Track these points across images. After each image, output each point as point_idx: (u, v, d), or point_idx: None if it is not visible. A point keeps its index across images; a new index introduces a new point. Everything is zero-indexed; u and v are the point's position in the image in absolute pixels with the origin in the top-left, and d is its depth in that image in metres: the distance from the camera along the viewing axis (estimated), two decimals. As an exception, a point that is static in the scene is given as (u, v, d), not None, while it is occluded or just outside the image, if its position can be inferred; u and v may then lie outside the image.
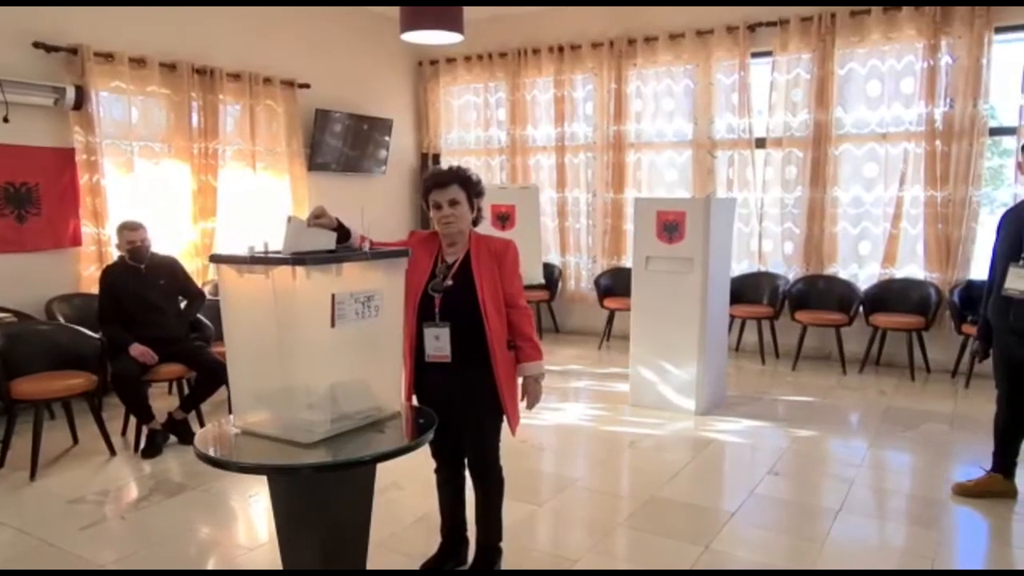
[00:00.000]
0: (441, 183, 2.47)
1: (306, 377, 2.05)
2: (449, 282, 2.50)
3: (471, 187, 2.51)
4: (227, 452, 2.05)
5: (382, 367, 2.29)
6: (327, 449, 2.00)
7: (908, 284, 5.94)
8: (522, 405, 2.65)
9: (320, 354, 2.06)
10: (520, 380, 2.63)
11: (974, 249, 5.78)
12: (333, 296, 2.05)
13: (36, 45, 4.95)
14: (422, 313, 2.51)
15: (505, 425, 2.64)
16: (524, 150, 7.61)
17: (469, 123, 8.03)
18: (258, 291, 2.05)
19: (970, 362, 5.51)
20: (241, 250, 2.13)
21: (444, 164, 8.00)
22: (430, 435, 2.17)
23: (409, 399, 2.58)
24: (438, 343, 2.48)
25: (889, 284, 6.01)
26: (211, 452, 1.98)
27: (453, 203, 2.46)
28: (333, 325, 2.05)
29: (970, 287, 5.59)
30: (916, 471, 4.01)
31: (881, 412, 4.91)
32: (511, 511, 3.09)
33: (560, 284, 7.50)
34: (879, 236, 6.14)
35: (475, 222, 2.58)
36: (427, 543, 2.91)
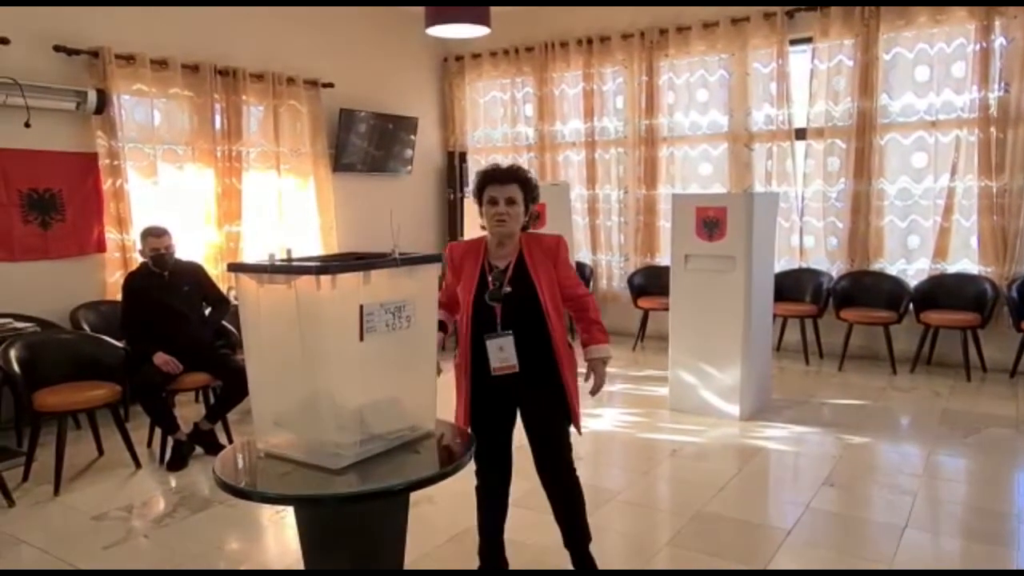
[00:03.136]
0: (501, 179, 2.35)
1: (333, 395, 1.88)
2: (507, 288, 2.35)
3: (529, 190, 2.40)
4: (249, 479, 1.89)
5: (416, 382, 2.11)
6: (357, 475, 1.83)
7: (961, 279, 5.63)
8: (585, 386, 2.51)
9: (348, 370, 1.89)
10: (586, 364, 2.52)
11: (1032, 242, 5.47)
12: (361, 307, 1.88)
13: (57, 48, 4.86)
14: (478, 324, 2.36)
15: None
16: (553, 146, 7.41)
17: (496, 120, 7.85)
18: (280, 302, 1.89)
19: (1031, 361, 5.22)
20: (267, 254, 1.97)
21: (471, 162, 7.91)
22: (469, 458, 1.99)
23: (465, 422, 2.43)
24: (503, 353, 2.33)
25: (941, 279, 5.71)
26: (232, 480, 1.82)
27: (510, 202, 2.34)
28: (362, 338, 1.88)
29: (1029, 282, 5.29)
30: (983, 481, 3.74)
31: (938, 415, 4.63)
32: (547, 529, 2.91)
33: (592, 283, 7.29)
34: (929, 229, 5.83)
35: (525, 227, 2.45)
36: (464, 564, 2.74)
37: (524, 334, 2.35)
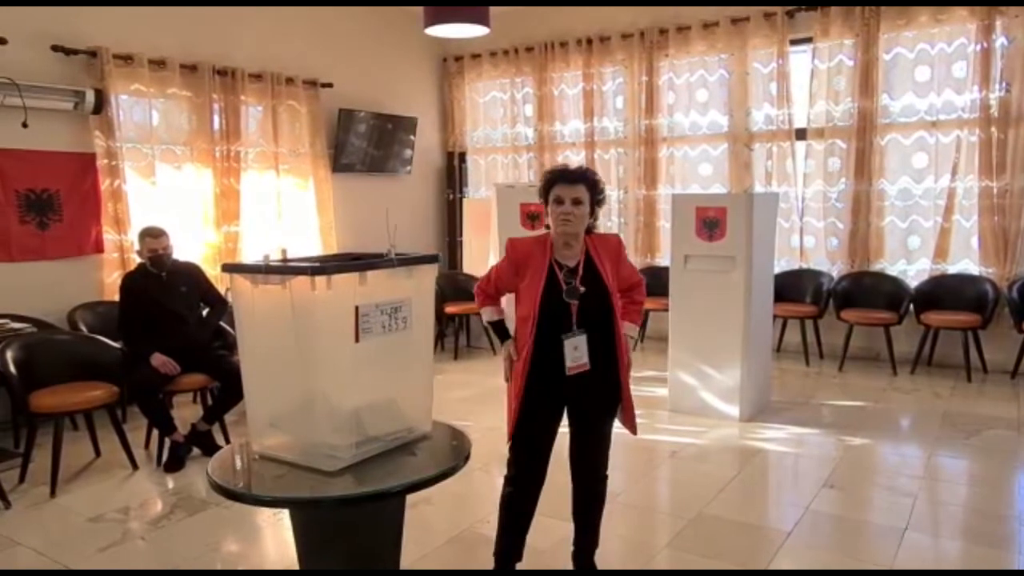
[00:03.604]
0: (570, 179, 2.36)
1: (329, 397, 1.87)
2: (582, 288, 2.35)
3: (596, 192, 2.41)
4: (243, 481, 1.87)
5: (412, 384, 2.10)
6: (353, 477, 1.81)
7: (962, 280, 5.62)
8: None
9: (344, 372, 1.88)
10: None
11: (1033, 243, 5.45)
12: (357, 308, 1.86)
13: (55, 48, 4.85)
14: (549, 324, 2.33)
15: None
16: (552, 147, 7.38)
17: (495, 120, 7.83)
18: (275, 303, 1.87)
19: (1032, 362, 5.19)
20: (262, 255, 1.95)
21: (471, 163, 7.90)
22: (466, 460, 1.98)
23: (514, 429, 2.39)
24: (577, 353, 2.33)
25: (941, 280, 5.69)
26: (226, 482, 1.80)
27: (576, 202, 2.34)
28: (357, 340, 1.87)
29: (1030, 283, 5.27)
30: (985, 483, 3.72)
31: (939, 417, 4.61)
32: (547, 530, 2.90)
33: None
34: (930, 230, 5.82)
35: (589, 229, 2.45)
36: (462, 566, 2.72)
37: (592, 333, 2.37)
